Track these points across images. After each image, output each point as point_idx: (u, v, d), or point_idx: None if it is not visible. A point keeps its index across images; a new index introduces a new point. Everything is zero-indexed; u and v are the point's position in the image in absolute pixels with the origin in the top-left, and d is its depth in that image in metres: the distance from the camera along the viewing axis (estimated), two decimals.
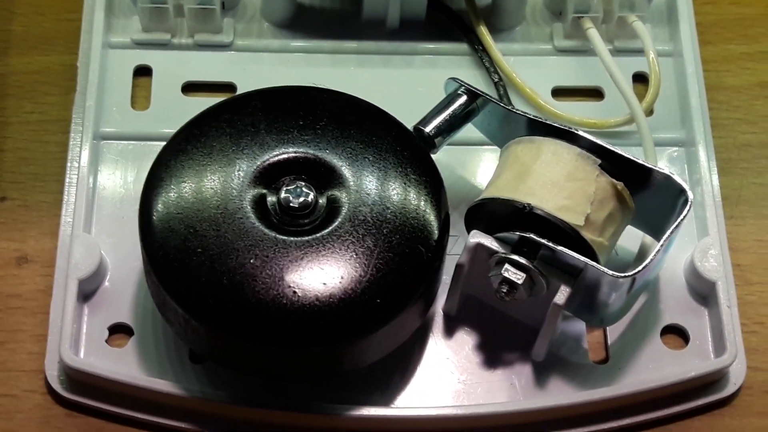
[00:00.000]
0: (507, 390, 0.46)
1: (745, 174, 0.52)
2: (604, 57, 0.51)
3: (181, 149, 0.44)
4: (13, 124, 0.52)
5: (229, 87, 0.52)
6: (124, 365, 0.46)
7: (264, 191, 0.44)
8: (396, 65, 0.53)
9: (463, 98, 0.48)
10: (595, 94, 0.53)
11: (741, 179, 0.52)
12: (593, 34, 0.52)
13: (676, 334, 0.48)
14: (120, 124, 0.51)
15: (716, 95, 0.53)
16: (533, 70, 0.53)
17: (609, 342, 0.47)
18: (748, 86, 0.54)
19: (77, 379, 0.46)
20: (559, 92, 0.53)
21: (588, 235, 0.44)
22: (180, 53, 0.53)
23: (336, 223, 0.43)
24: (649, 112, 0.52)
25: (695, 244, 0.48)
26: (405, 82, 0.53)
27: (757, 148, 0.53)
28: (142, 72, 0.53)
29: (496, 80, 0.53)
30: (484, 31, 0.53)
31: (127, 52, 0.53)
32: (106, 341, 0.47)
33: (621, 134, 0.52)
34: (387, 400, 0.46)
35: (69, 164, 0.49)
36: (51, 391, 0.46)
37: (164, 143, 0.45)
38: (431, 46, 0.54)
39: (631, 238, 0.48)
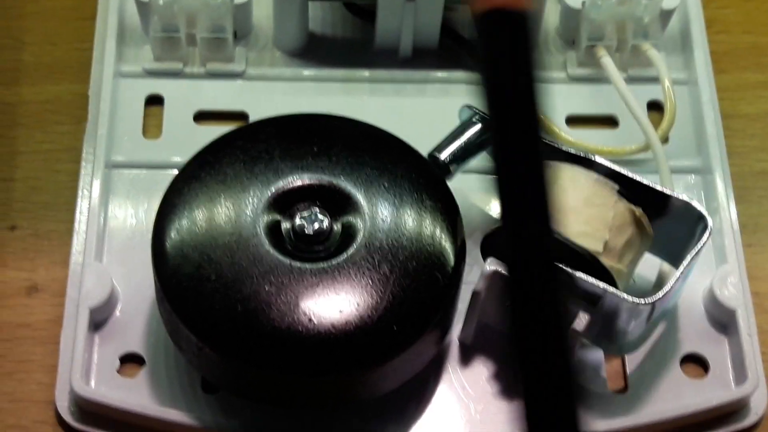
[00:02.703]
0: (524, 419, 0.45)
1: (762, 202, 0.52)
2: (619, 85, 0.51)
3: (195, 176, 0.44)
4: (24, 154, 0.51)
5: (241, 116, 0.52)
6: (135, 395, 0.45)
7: (278, 218, 0.43)
8: (409, 94, 0.53)
9: (478, 126, 0.47)
10: (609, 122, 0.53)
11: (758, 207, 0.51)
12: (607, 62, 0.52)
13: (696, 363, 0.47)
14: (131, 153, 0.51)
15: (732, 123, 0.53)
16: (547, 99, 0.53)
17: (628, 371, 0.47)
18: (764, 114, 0.54)
19: (88, 410, 0.45)
20: (573, 120, 0.53)
21: (607, 261, 0.43)
22: (192, 82, 0.53)
23: (351, 250, 0.43)
24: (665, 140, 0.51)
25: (714, 272, 0.48)
26: (418, 111, 0.52)
27: None
28: (154, 101, 0.52)
29: None
30: None
31: (139, 81, 0.52)
32: (118, 371, 0.46)
33: (636, 162, 0.51)
34: (402, 429, 0.45)
35: (80, 193, 0.49)
36: (61, 421, 0.45)
37: (176, 171, 0.45)
38: (444, 74, 0.53)
39: (649, 266, 0.48)
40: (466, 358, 0.47)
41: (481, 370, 0.47)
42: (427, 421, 0.45)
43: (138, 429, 0.45)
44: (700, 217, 0.44)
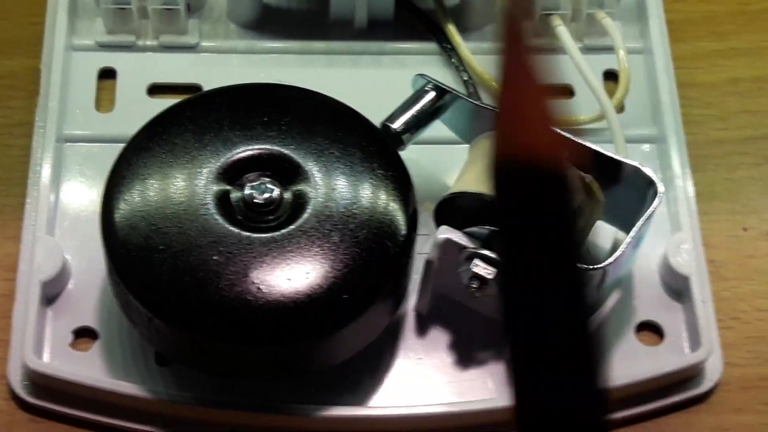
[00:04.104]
0: (481, 388, 0.45)
1: (718, 170, 0.52)
2: (574, 54, 0.51)
3: (144, 147, 0.44)
4: None
5: (196, 89, 0.51)
6: (89, 369, 0.45)
7: (228, 188, 0.43)
8: (365, 65, 0.53)
9: (431, 94, 0.47)
10: (565, 92, 0.53)
11: (714, 175, 0.51)
12: (562, 31, 0.52)
13: (651, 330, 0.47)
14: (84, 126, 0.50)
15: (688, 92, 0.53)
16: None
17: None
18: (720, 83, 0.54)
19: (41, 384, 0.45)
20: None
21: None
22: (145, 55, 0.52)
23: (302, 219, 0.42)
24: (620, 109, 0.51)
25: (668, 240, 0.48)
26: (374, 82, 0.52)
27: (729, 144, 0.52)
28: (107, 74, 0.52)
29: (465, 78, 0.52)
30: (452, 30, 0.53)
31: (91, 54, 0.52)
32: (71, 345, 0.46)
33: (592, 131, 0.51)
34: (357, 400, 0.45)
35: (32, 167, 0.49)
36: (14, 396, 0.45)
37: None
38: (400, 45, 0.53)
39: (604, 235, 0.48)
40: (422, 329, 0.47)
41: (438, 340, 0.46)
42: (383, 391, 0.45)
43: (91, 402, 0.44)
44: (651, 183, 0.44)
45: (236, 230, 0.42)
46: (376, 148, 0.44)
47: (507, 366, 0.27)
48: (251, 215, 0.43)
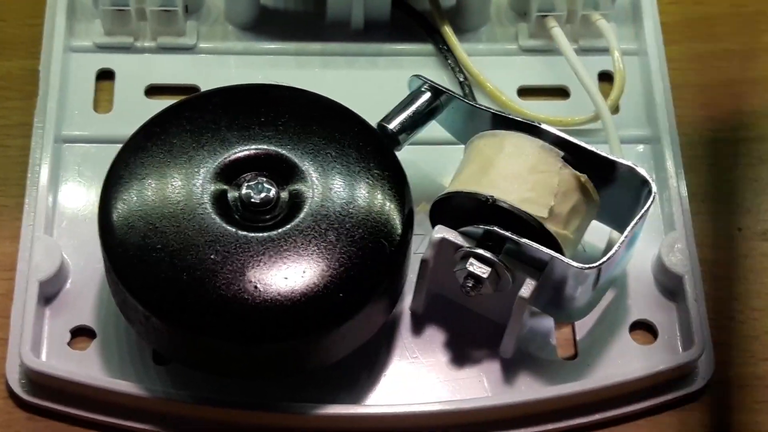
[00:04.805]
0: (475, 387, 0.46)
1: (711, 170, 0.52)
2: (569, 56, 0.51)
3: (141, 147, 0.44)
4: None
5: (193, 90, 0.52)
6: (86, 368, 0.45)
7: (225, 187, 0.43)
8: (361, 66, 0.53)
9: (427, 95, 0.48)
10: (560, 93, 0.53)
11: (707, 176, 0.52)
12: (557, 33, 0.52)
13: (645, 329, 0.48)
14: (82, 127, 0.51)
15: (682, 93, 0.53)
16: (498, 70, 0.53)
17: (577, 338, 0.47)
18: (714, 84, 0.54)
19: (39, 382, 0.45)
20: (524, 92, 0.53)
21: (552, 227, 0.43)
22: (143, 56, 0.53)
23: (298, 219, 0.43)
24: (615, 110, 0.52)
25: (662, 240, 0.48)
26: (370, 84, 0.53)
27: (723, 145, 0.53)
28: (105, 75, 0.52)
29: (461, 80, 0.52)
30: (448, 32, 0.53)
31: (90, 55, 0.52)
32: (69, 344, 0.46)
33: (587, 132, 0.51)
34: (354, 398, 0.45)
35: (30, 167, 0.49)
36: (12, 394, 0.45)
37: None
38: (396, 47, 0.54)
39: (599, 235, 0.48)
40: (417, 328, 0.47)
41: (433, 339, 0.47)
42: (379, 389, 0.46)
43: (89, 401, 0.45)
44: (644, 182, 0.44)
45: (233, 229, 0.42)
46: (372, 148, 0.45)
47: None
48: (248, 215, 0.43)
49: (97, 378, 0.45)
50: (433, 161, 0.50)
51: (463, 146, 0.48)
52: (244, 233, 0.42)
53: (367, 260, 0.42)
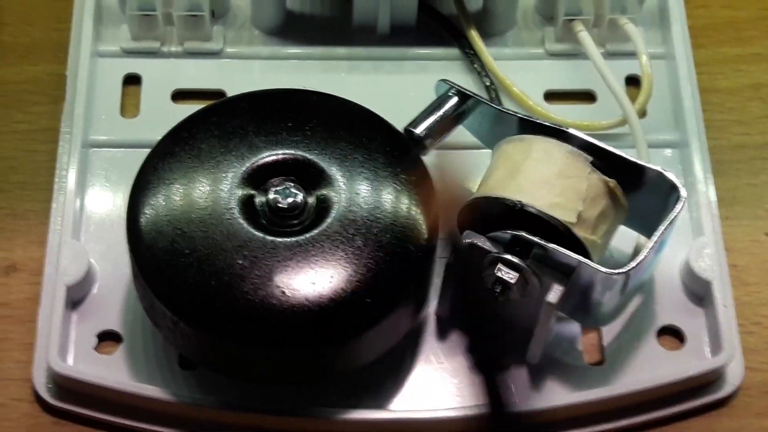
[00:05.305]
0: (502, 393, 0.45)
1: (740, 175, 0.52)
2: (596, 60, 0.51)
3: (169, 152, 0.44)
4: (2, 134, 0.51)
5: (219, 94, 0.52)
6: (112, 372, 0.45)
7: (253, 192, 0.43)
8: (387, 71, 0.53)
9: (454, 100, 0.47)
10: (587, 97, 0.53)
11: (736, 180, 0.51)
12: (584, 37, 0.52)
13: (672, 335, 0.47)
14: (109, 131, 0.51)
15: (710, 97, 0.53)
16: (525, 74, 0.53)
17: (604, 344, 0.47)
18: (742, 88, 0.54)
19: (65, 387, 0.45)
20: (551, 96, 0.53)
21: (580, 232, 0.43)
22: (169, 61, 0.53)
23: (325, 224, 0.43)
24: (642, 114, 0.51)
25: (691, 245, 0.48)
26: (396, 88, 0.52)
27: (752, 149, 0.52)
28: (132, 80, 0.52)
29: (487, 84, 0.52)
30: (475, 36, 0.53)
31: (116, 60, 0.53)
32: (95, 348, 0.46)
33: (614, 136, 0.51)
34: (379, 403, 0.45)
35: (57, 172, 0.49)
36: (39, 399, 0.45)
37: None
38: (422, 51, 0.54)
39: (627, 240, 0.48)
40: (443, 332, 0.47)
41: (459, 344, 0.47)
42: (404, 394, 0.45)
43: (115, 405, 0.45)
44: (673, 187, 0.44)
45: (261, 234, 0.42)
46: (399, 153, 0.45)
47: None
48: (275, 220, 0.43)
49: (124, 382, 0.45)
50: (459, 165, 0.50)
51: (489, 151, 0.48)
52: (272, 238, 0.42)
53: (394, 265, 0.42)
